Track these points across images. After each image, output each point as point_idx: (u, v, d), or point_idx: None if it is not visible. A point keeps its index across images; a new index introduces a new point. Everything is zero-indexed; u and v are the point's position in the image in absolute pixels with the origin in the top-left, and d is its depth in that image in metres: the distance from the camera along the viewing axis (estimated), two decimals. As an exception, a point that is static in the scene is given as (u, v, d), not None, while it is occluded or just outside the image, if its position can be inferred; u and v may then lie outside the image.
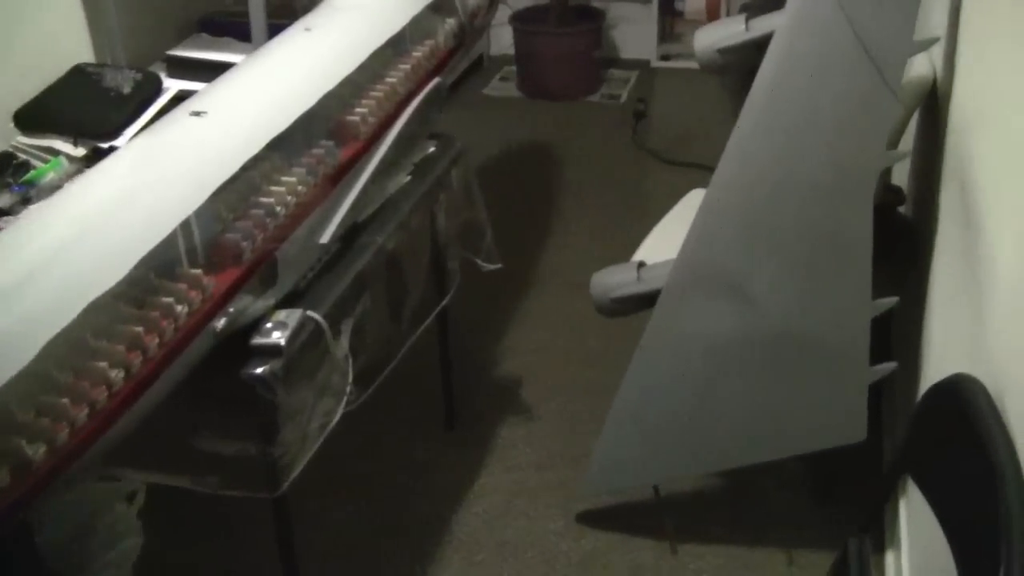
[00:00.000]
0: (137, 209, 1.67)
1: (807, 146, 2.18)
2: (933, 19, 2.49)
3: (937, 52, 2.38)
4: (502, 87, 5.17)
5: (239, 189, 1.86)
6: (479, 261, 2.68)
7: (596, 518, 2.65)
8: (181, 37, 3.08)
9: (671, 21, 5.54)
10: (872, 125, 2.14)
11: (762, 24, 2.33)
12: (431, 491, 2.75)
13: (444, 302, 2.57)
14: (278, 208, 1.90)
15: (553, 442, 2.91)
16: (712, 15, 5.28)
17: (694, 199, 2.98)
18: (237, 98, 2.02)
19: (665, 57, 5.40)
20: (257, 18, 2.69)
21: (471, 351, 3.20)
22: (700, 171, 4.24)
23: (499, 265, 2.69)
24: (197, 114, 1.92)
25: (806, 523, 2.59)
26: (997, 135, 1.69)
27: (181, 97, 2.69)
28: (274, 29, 2.78)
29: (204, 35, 3.00)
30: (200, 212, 1.74)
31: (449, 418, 2.95)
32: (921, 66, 2.41)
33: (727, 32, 2.38)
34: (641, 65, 5.35)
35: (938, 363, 2.01)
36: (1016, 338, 1.37)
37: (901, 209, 2.63)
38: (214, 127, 1.89)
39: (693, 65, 5.15)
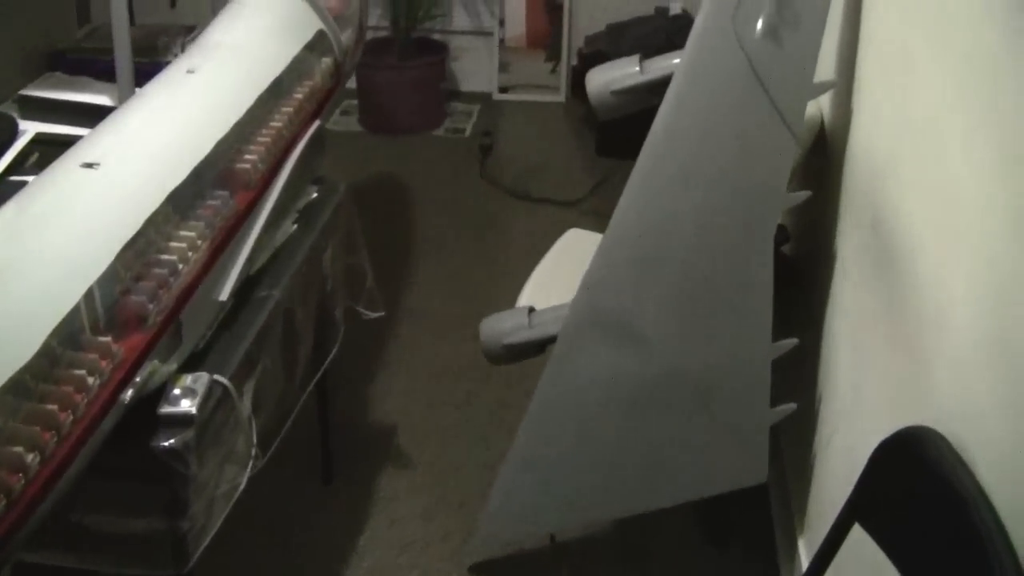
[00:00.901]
0: (36, 278, 1.53)
1: (706, 188, 2.17)
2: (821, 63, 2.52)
3: (824, 95, 2.42)
4: (343, 121, 5.06)
5: (137, 246, 1.74)
6: (361, 309, 2.59)
7: (489, 569, 2.59)
8: (28, 74, 2.90)
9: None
10: (773, 167, 2.15)
11: (657, 66, 2.32)
12: (314, 550, 2.64)
13: (333, 353, 2.47)
14: (180, 265, 1.78)
15: (435, 490, 2.84)
16: (533, 42, 5.30)
17: (571, 240, 2.96)
18: (129, 147, 1.89)
19: (503, 89, 5.38)
20: (123, 56, 2.55)
21: (340, 400, 3.10)
22: (552, 206, 4.25)
23: (382, 312, 2.61)
24: (90, 166, 1.78)
25: (705, 569, 2.58)
26: (921, 181, 1.70)
27: (40, 140, 2.54)
28: (137, 66, 2.65)
29: (59, 74, 2.83)
30: (102, 275, 1.61)
31: (327, 472, 2.84)
32: (809, 107, 2.44)
33: (620, 74, 2.36)
34: (483, 98, 5.33)
35: (859, 410, 2.02)
36: (978, 389, 1.37)
37: (784, 248, 2.66)
38: (110, 180, 1.76)
39: (533, 97, 5.25)
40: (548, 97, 5.32)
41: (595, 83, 2.37)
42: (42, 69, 2.99)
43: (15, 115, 2.62)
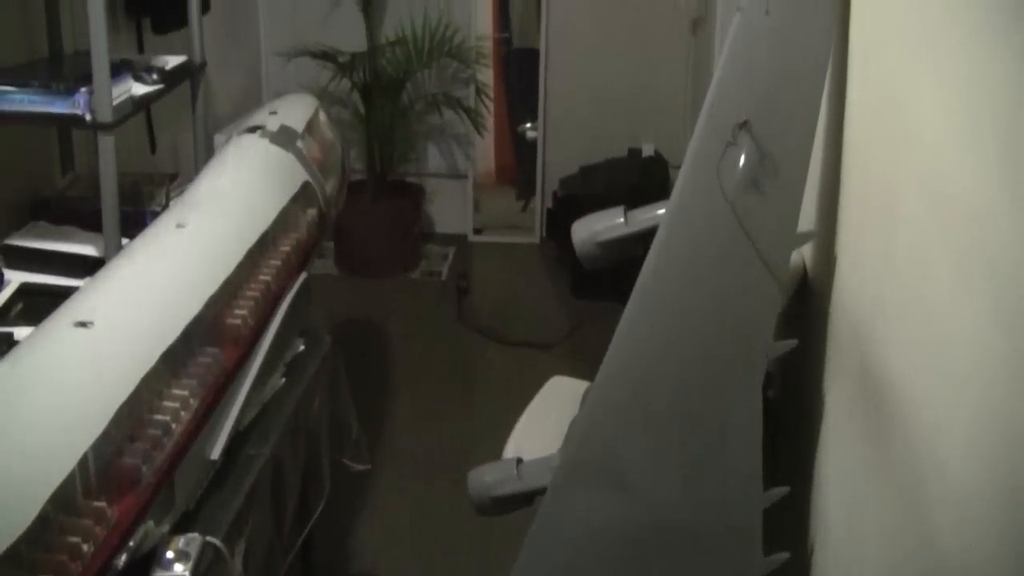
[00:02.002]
0: (30, 443, 1.52)
1: (693, 337, 2.19)
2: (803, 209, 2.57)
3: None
4: (319, 264, 5.07)
5: (131, 405, 1.72)
6: (346, 461, 2.57)
7: None
8: (12, 223, 2.90)
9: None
10: (758, 316, 2.17)
11: (642, 217, 2.35)
12: None
13: (320, 507, 2.44)
14: (173, 424, 1.77)
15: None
16: (502, 179, 5.38)
17: (555, 387, 2.96)
18: (122, 305, 1.88)
19: (478, 230, 5.43)
20: (109, 207, 2.56)
21: (324, 549, 3.05)
22: (530, 349, 4.26)
23: (368, 465, 2.59)
24: (83, 324, 1.77)
25: None
26: (909, 330, 1.72)
27: (25, 291, 2.54)
28: (122, 215, 2.67)
29: (43, 223, 2.84)
30: (98, 438, 1.60)
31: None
32: (792, 255, 2.48)
33: (606, 225, 2.39)
34: (458, 239, 5.38)
35: (855, 558, 2.01)
36: (982, 541, 1.36)
37: (769, 393, 2.67)
38: (103, 339, 1.76)
39: (507, 239, 5.31)
40: (523, 238, 5.38)
41: (580, 235, 2.40)
42: (26, 218, 2.99)
43: (-1, 265, 2.62)
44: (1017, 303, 1.28)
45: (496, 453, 2.64)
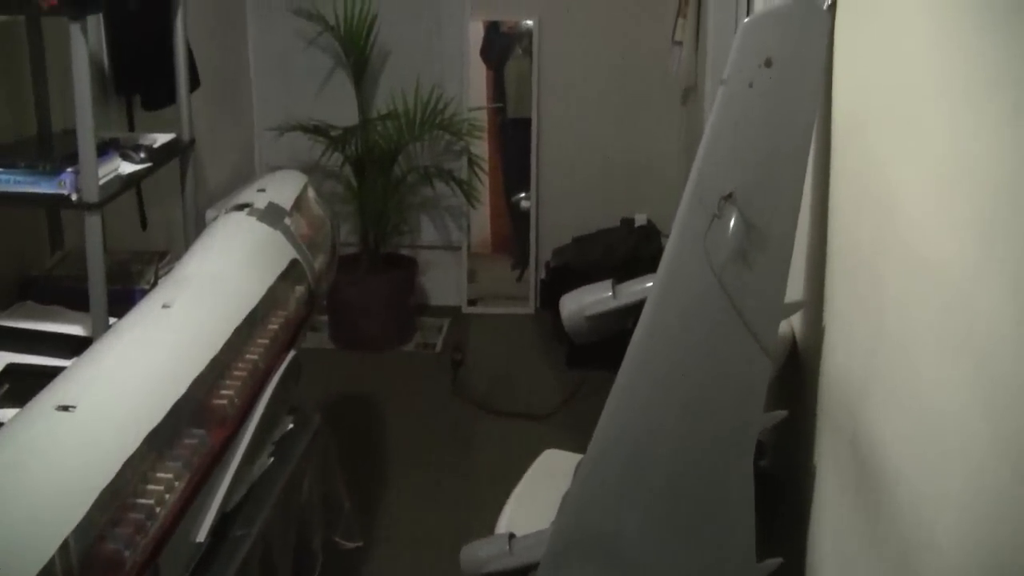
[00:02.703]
0: (9, 530, 1.50)
1: (684, 409, 2.18)
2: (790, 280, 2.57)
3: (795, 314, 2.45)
4: (314, 338, 5.06)
5: (114, 489, 1.71)
6: (338, 539, 2.54)
7: None
8: (4, 304, 2.90)
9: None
10: (748, 387, 2.16)
11: (630, 290, 2.36)
12: None
13: (310, 587, 2.41)
14: (157, 508, 1.75)
15: None
16: (498, 248, 5.38)
17: (548, 461, 2.94)
18: (105, 387, 1.88)
19: (472, 301, 5.42)
20: (96, 286, 2.56)
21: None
22: (526, 421, 4.24)
23: (360, 543, 2.56)
24: (65, 408, 1.76)
25: None
26: (899, 406, 1.71)
27: (12, 371, 2.53)
28: (110, 293, 2.66)
29: (31, 303, 2.83)
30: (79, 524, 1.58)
31: None
32: (780, 325, 2.47)
33: (594, 299, 2.39)
34: (452, 311, 5.37)
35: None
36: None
37: (763, 463, 2.65)
38: (86, 423, 1.75)
39: (501, 310, 5.30)
40: (517, 309, 5.37)
41: (569, 309, 2.40)
42: (14, 297, 2.99)
43: (-15, 347, 2.61)
44: (999, 381, 1.28)
45: (490, 527, 2.62)
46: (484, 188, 5.23)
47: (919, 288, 1.59)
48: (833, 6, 2.11)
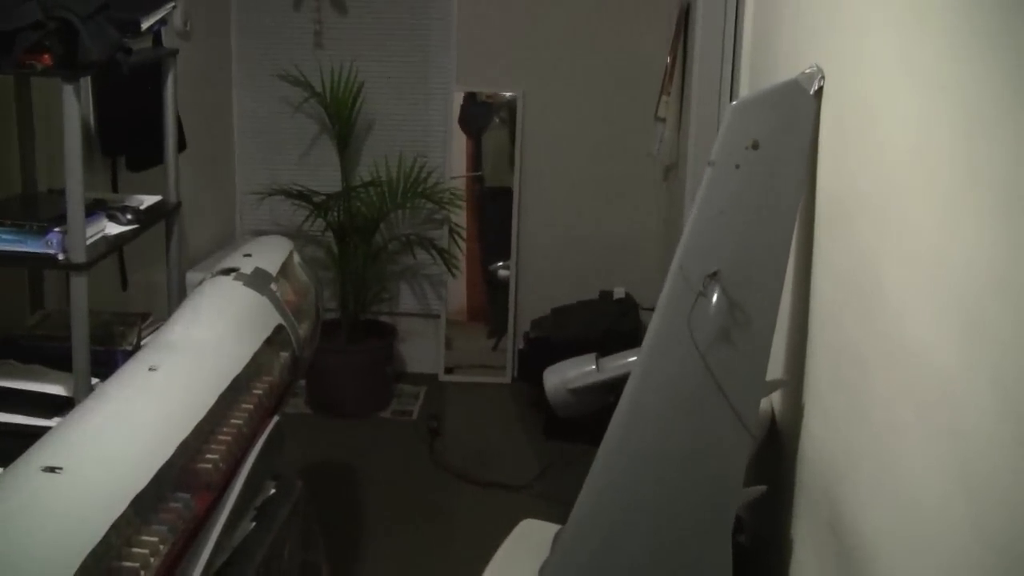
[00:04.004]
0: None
1: (664, 485, 2.20)
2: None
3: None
4: (291, 403, 5.05)
5: (99, 553, 1.70)
6: (316, 606, 2.53)
7: None
8: (-16, 363, 2.90)
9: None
10: (728, 463, 2.18)
11: (614, 364, 2.38)
12: None
13: (287, 656, 2.39)
14: (142, 572, 1.74)
15: None
16: (474, 316, 5.40)
17: (525, 531, 2.94)
18: (91, 449, 1.87)
19: (449, 369, 5.43)
20: (80, 346, 2.56)
21: None
22: (501, 491, 4.23)
23: (339, 610, 2.55)
24: (52, 470, 1.76)
25: None
26: (877, 491, 1.73)
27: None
28: (92, 354, 2.66)
29: (11, 361, 2.82)
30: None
31: None
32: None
33: (578, 372, 2.42)
34: (429, 379, 5.37)
35: None
36: None
37: (741, 539, 2.66)
38: (73, 486, 1.74)
39: (478, 378, 5.31)
40: (494, 378, 5.38)
41: (552, 382, 2.42)
42: (-8, 356, 2.98)
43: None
44: (982, 474, 1.30)
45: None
46: (462, 256, 5.26)
47: (902, 377, 1.62)
48: (819, 92, 2.16)
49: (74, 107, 2.47)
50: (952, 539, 1.39)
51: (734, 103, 2.20)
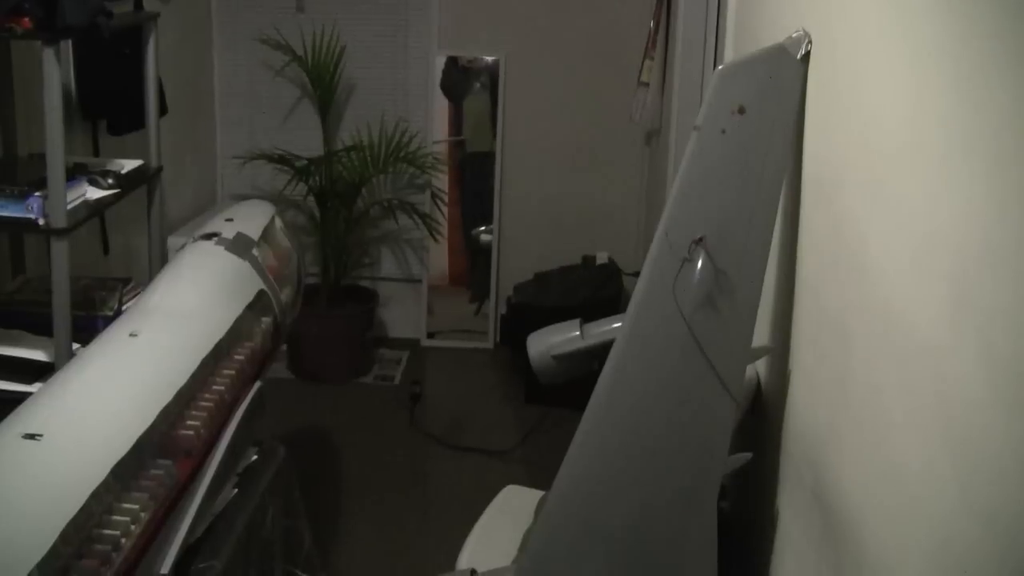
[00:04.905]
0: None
1: (648, 452, 2.19)
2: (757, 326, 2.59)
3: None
4: (272, 368, 5.01)
5: (79, 521, 1.69)
6: (299, 572, 2.53)
7: None
8: (-40, 329, 2.87)
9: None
10: (713, 431, 2.17)
11: (598, 331, 2.37)
12: None
13: (271, 622, 2.39)
14: (122, 539, 1.74)
15: None
16: (455, 280, 5.39)
17: (509, 496, 2.94)
18: (71, 415, 1.86)
19: (431, 334, 5.41)
20: (61, 312, 2.54)
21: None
22: (482, 456, 4.23)
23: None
24: (32, 436, 1.75)
25: None
26: (861, 457, 1.73)
27: (-27, 396, 2.50)
28: (73, 320, 2.64)
29: (-7, 326, 2.81)
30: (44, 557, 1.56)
31: None
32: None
33: (561, 339, 2.40)
34: (411, 344, 5.36)
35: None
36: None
37: (723, 505, 2.66)
38: (53, 453, 1.73)
39: (460, 343, 5.30)
40: (476, 343, 5.37)
41: (536, 348, 2.40)
42: (-31, 322, 2.96)
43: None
44: (969, 440, 1.30)
45: (450, 563, 2.61)
46: (444, 221, 5.24)
47: (888, 344, 1.61)
48: (806, 57, 2.15)
49: (54, 71, 2.44)
50: (937, 508, 1.39)
51: (720, 67, 2.18)
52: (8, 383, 2.61)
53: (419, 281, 5.38)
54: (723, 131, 2.13)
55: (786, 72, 2.16)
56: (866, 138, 1.78)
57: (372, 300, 5.18)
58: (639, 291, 2.17)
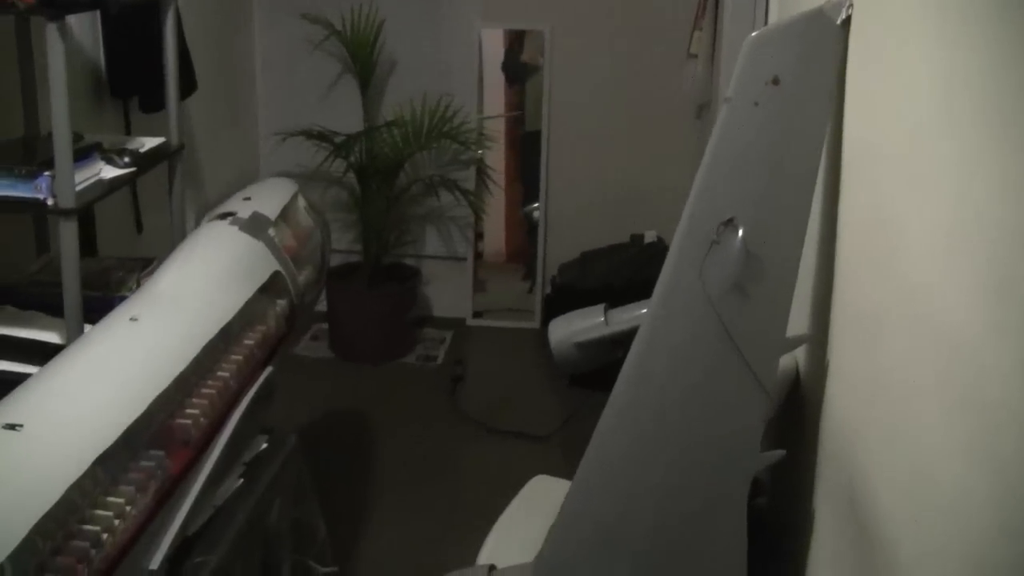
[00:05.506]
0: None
1: (674, 449, 2.06)
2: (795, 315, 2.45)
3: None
4: (313, 347, 4.95)
5: (57, 514, 1.60)
6: (312, 563, 2.43)
7: None
8: (-18, 308, 2.80)
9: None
10: (745, 425, 2.04)
11: (623, 317, 2.24)
12: None
13: (278, 616, 2.30)
14: (104, 535, 1.64)
15: None
16: (512, 258, 5.26)
17: (536, 488, 2.82)
18: (57, 404, 1.77)
19: (477, 313, 5.30)
20: (71, 293, 2.45)
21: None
22: (522, 440, 4.12)
23: (335, 568, 2.45)
24: (12, 427, 1.66)
25: None
26: (892, 460, 1.59)
27: (-15, 379, 2.42)
28: (87, 301, 2.56)
29: (9, 307, 2.73)
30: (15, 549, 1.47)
31: None
32: (784, 357, 2.35)
33: (585, 325, 2.28)
34: (456, 324, 5.25)
35: None
36: None
37: (760, 501, 2.53)
38: (32, 444, 1.64)
39: (507, 323, 5.19)
40: (522, 323, 5.26)
41: (558, 335, 2.28)
42: (-5, 302, 2.89)
43: (-42, 353, 2.52)
44: (1000, 440, 1.16)
45: (474, 556, 2.51)
46: (500, 197, 5.12)
47: (923, 341, 1.48)
48: (847, 22, 1.99)
49: (58, 46, 2.35)
50: (972, 524, 1.25)
51: (753, 35, 2.02)
52: (19, 365, 2.53)
53: (464, 260, 5.27)
54: (755, 103, 1.99)
55: (825, 39, 2.01)
56: (903, 109, 1.64)
57: (414, 278, 5.07)
58: (664, 276, 2.03)
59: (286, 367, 4.61)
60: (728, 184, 2.01)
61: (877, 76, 1.85)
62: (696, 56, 4.31)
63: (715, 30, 4.20)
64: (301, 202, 2.84)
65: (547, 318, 5.14)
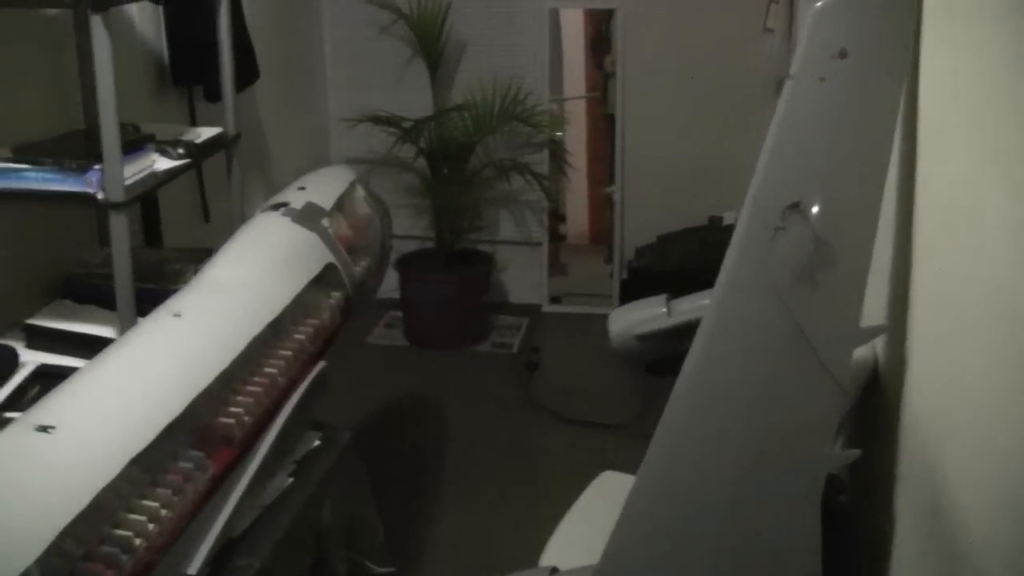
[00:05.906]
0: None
1: (741, 444, 1.94)
2: (872, 304, 2.31)
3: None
4: (387, 335, 4.90)
5: (88, 518, 1.54)
6: (368, 564, 2.36)
7: None
8: (42, 299, 2.78)
9: (553, 248, 5.31)
10: (817, 422, 1.92)
11: (686, 307, 2.13)
12: None
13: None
14: (137, 541, 1.59)
15: None
16: (596, 240, 5.15)
17: (604, 485, 2.73)
18: (93, 405, 1.71)
19: (554, 299, 5.20)
20: (123, 286, 2.41)
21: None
22: (597, 430, 4.02)
23: (392, 568, 2.37)
24: (44, 429, 1.60)
25: None
26: (986, 472, 1.47)
27: (42, 373, 2.40)
28: (142, 294, 2.52)
29: (67, 301, 2.71)
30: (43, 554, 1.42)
31: None
32: (861, 349, 2.22)
33: (646, 315, 2.18)
34: (532, 310, 5.16)
35: None
36: None
37: (842, 499, 2.41)
38: (65, 446, 1.59)
39: (585, 309, 5.08)
40: (600, 308, 5.13)
41: (617, 326, 2.18)
42: (57, 294, 2.87)
43: (19, 344, 2.49)
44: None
45: (539, 556, 2.43)
46: (581, 179, 5.02)
47: (1006, 340, 1.35)
48: (920, -10, 1.86)
49: (103, 38, 2.29)
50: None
51: (817, 4, 1.89)
52: (75, 359, 2.50)
53: (539, 245, 5.17)
54: (821, 79, 1.86)
55: (897, 6, 1.88)
56: (980, 80, 1.50)
57: (488, 264, 4.99)
58: (727, 265, 1.92)
59: (358, 356, 4.60)
60: (793, 166, 1.89)
61: (952, 43, 1.72)
62: (773, 31, 4.16)
63: (791, 2, 4.05)
64: (360, 191, 2.76)
65: (624, 303, 5.03)
